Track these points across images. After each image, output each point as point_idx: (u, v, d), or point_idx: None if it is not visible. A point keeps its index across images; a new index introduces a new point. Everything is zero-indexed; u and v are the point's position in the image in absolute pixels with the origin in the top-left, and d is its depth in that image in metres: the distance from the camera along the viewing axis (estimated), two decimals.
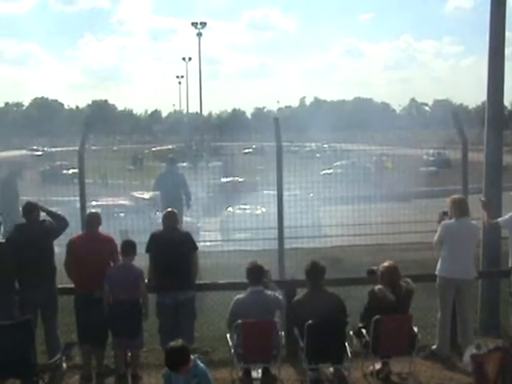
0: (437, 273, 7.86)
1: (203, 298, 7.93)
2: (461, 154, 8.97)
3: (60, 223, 7.59)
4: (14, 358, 6.35)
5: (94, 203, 11.64)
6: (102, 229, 7.71)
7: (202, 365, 5.49)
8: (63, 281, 7.68)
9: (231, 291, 7.50)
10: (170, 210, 7.95)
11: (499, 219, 8.13)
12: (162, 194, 12.95)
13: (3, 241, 7.50)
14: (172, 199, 12.17)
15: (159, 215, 8.72)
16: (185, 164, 20.38)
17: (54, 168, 39.22)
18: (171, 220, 7.73)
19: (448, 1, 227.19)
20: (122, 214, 13.49)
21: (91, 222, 7.61)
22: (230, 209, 18.62)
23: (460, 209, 7.79)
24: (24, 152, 57.79)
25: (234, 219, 17.58)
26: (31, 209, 7.55)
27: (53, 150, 59.93)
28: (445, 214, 7.99)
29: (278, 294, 7.07)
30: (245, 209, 18.51)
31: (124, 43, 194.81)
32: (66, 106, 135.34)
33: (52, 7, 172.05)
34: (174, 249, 7.43)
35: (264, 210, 15.82)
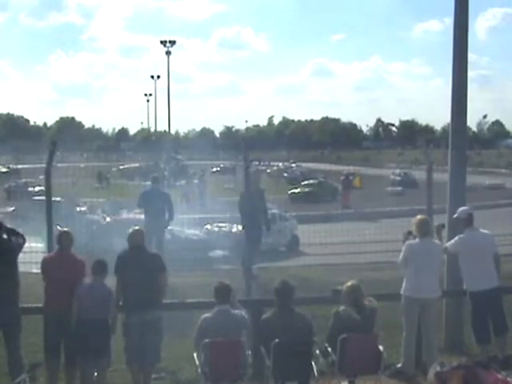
0: (401, 292, 7.96)
1: (171, 317, 7.88)
2: (426, 175, 9.13)
3: (19, 240, 7.47)
4: None
5: None
6: None
7: None
8: (28, 300, 7.59)
9: (199, 310, 7.47)
10: (136, 228, 7.84)
11: (447, 244, 8.27)
12: (146, 212, 13.00)
13: None
14: (155, 217, 12.33)
15: None
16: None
17: (20, 185, 38.91)
18: (138, 239, 7.61)
19: (417, 24, 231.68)
20: None
21: (63, 240, 7.54)
22: (207, 226, 18.70)
23: (423, 229, 7.91)
24: None
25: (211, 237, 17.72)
26: None
27: (19, 167, 59.22)
28: (409, 233, 8.12)
29: (244, 313, 7.08)
30: (221, 227, 18.61)
31: (94, 60, 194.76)
32: (31, 123, 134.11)
33: (22, 22, 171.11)
34: (141, 269, 7.35)
35: (240, 227, 15.88)
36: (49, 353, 7.33)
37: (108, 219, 17.82)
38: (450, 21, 9.17)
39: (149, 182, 14.64)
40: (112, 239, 11.78)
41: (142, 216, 13.27)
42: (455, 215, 8.26)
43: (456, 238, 8.19)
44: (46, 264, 7.47)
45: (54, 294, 7.25)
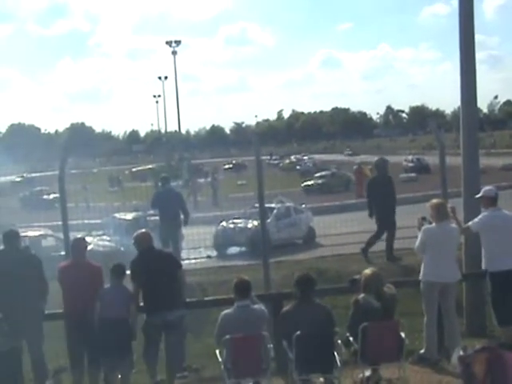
0: (420, 278, 7.92)
1: (191, 315, 7.91)
2: (439, 158, 9.09)
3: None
4: None
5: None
6: None
7: None
8: (49, 306, 7.65)
9: (219, 307, 7.48)
10: (143, 231, 7.83)
11: (470, 223, 8.17)
12: (160, 212, 12.99)
13: None
14: (170, 217, 12.34)
15: None
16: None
17: (34, 193, 39.15)
18: (146, 241, 7.58)
19: (424, 8, 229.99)
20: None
21: (78, 248, 7.58)
22: (223, 223, 18.67)
23: (440, 213, 7.85)
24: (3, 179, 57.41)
25: (226, 234, 17.69)
26: (13, 236, 7.47)
27: (32, 175, 59.62)
28: (423, 219, 8.03)
29: (263, 308, 7.08)
30: (237, 223, 18.57)
31: (102, 64, 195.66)
32: (43, 131, 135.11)
33: (29, 31, 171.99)
34: (157, 270, 7.35)
35: (256, 223, 15.84)
36: (73, 358, 7.38)
37: None
38: (456, 3, 9.08)
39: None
40: None
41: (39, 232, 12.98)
42: (480, 194, 8.17)
43: (480, 215, 8.10)
44: (62, 272, 7.51)
45: (74, 301, 7.29)
